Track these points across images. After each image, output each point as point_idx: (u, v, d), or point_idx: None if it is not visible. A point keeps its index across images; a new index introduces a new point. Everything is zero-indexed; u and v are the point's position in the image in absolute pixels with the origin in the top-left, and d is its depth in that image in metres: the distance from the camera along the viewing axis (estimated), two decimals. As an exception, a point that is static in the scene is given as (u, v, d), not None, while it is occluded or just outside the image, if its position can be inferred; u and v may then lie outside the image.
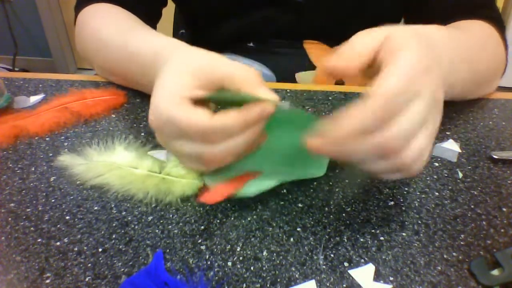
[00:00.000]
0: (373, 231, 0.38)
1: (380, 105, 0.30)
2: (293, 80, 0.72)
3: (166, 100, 0.35)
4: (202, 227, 0.39)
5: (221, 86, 0.36)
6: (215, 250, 0.36)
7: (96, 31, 0.57)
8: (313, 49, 0.71)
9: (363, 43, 0.35)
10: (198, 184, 0.41)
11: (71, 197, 0.42)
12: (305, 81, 0.73)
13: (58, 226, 0.39)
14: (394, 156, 0.32)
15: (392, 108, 0.31)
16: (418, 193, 0.43)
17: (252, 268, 0.35)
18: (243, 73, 0.36)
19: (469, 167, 0.47)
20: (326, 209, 0.41)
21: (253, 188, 0.40)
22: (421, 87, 0.32)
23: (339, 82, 0.74)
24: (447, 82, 0.38)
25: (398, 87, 0.31)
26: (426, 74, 0.32)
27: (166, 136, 0.37)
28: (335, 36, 0.72)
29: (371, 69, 0.34)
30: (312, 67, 0.72)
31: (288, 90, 0.61)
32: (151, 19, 0.63)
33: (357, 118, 0.31)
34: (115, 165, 0.43)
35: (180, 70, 0.37)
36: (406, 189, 0.43)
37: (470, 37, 0.50)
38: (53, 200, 0.42)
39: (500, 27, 0.58)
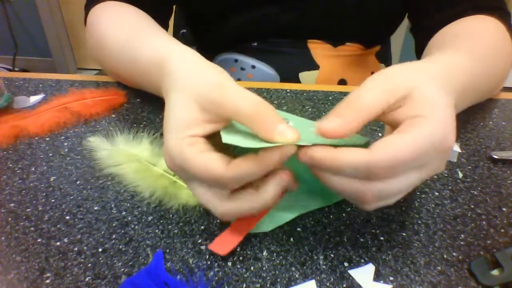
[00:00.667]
0: (373, 231, 0.38)
1: (375, 164, 0.29)
2: (297, 80, 0.72)
3: (177, 142, 0.33)
4: (202, 227, 0.39)
5: (230, 120, 0.34)
6: (215, 250, 0.36)
7: (103, 36, 0.56)
8: (317, 49, 0.71)
9: (372, 101, 0.31)
10: None
11: (71, 197, 0.42)
12: (309, 80, 0.73)
13: (58, 226, 0.39)
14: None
15: (385, 173, 0.30)
16: (418, 193, 0.43)
17: (252, 268, 0.35)
18: (253, 110, 0.31)
19: (469, 167, 0.47)
20: (326, 209, 0.41)
21: (269, 223, 0.38)
22: (427, 161, 0.31)
23: (342, 82, 0.74)
24: (460, 106, 0.38)
25: (404, 160, 0.30)
26: (439, 148, 0.31)
27: (183, 177, 0.35)
28: (337, 35, 0.72)
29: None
30: (316, 66, 0.72)
31: (288, 90, 0.61)
32: (161, 16, 0.63)
33: (351, 160, 0.30)
34: (135, 157, 0.43)
35: (187, 104, 0.34)
36: (406, 189, 0.43)
37: (483, 49, 0.48)
38: (53, 200, 0.42)
39: (507, 19, 0.56)
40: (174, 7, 0.72)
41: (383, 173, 0.30)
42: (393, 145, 0.29)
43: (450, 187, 0.44)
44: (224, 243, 0.36)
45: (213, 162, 0.31)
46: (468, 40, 0.49)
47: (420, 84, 0.32)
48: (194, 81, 0.35)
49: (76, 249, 0.37)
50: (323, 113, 0.56)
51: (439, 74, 0.36)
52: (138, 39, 0.50)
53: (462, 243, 0.37)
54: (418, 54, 0.63)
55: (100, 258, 0.36)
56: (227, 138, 0.32)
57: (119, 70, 0.56)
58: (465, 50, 0.45)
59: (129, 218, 0.40)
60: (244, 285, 0.34)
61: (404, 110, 0.32)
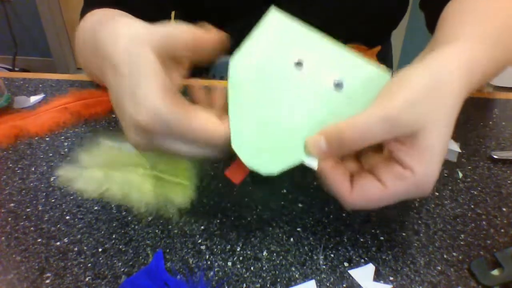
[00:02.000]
0: (373, 231, 0.38)
1: (348, 204, 0.32)
2: None
3: (163, 102, 0.30)
4: (202, 227, 0.39)
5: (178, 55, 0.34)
6: (215, 250, 0.36)
7: (80, 38, 0.54)
8: None
9: (368, 136, 0.30)
10: (191, 190, 0.37)
11: (71, 197, 0.42)
12: None
13: (58, 226, 0.39)
14: None
15: (357, 209, 0.33)
16: (418, 193, 0.43)
17: (252, 268, 0.35)
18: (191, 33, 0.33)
19: (469, 167, 0.47)
20: (326, 209, 0.41)
21: (278, 164, 0.33)
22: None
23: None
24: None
25: (375, 207, 0.32)
26: (412, 197, 0.32)
27: (159, 138, 0.32)
28: (338, 37, 0.72)
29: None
30: None
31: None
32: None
33: (334, 189, 0.32)
34: (110, 166, 0.39)
35: (150, 55, 0.31)
36: (406, 189, 0.43)
37: (503, 26, 0.42)
38: (53, 200, 0.42)
39: None
40: (172, 13, 0.71)
41: (356, 209, 0.32)
42: (369, 195, 0.31)
43: (450, 187, 0.44)
44: (237, 171, 0.34)
45: (212, 125, 0.31)
46: (486, 17, 0.42)
47: (428, 126, 0.30)
48: (135, 35, 0.33)
49: (76, 249, 0.37)
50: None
51: (453, 97, 0.32)
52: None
53: (462, 243, 0.37)
54: (430, 28, 0.60)
55: (100, 258, 0.36)
56: (249, 160, 0.32)
57: (85, 66, 0.53)
58: (480, 38, 0.39)
59: (129, 218, 0.40)
60: (244, 285, 0.34)
61: (401, 149, 0.31)
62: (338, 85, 0.34)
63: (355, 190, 0.32)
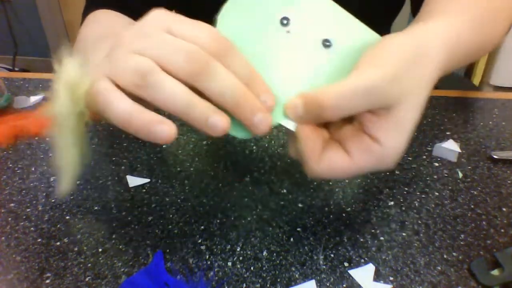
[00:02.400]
0: (373, 231, 0.38)
1: (314, 174, 0.31)
2: None
3: None
4: (202, 227, 0.39)
5: None
6: (215, 250, 0.36)
7: (78, 41, 0.53)
8: None
9: (351, 105, 0.28)
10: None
11: (71, 197, 0.42)
12: None
13: (58, 226, 0.39)
14: None
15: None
16: (418, 193, 0.43)
17: (252, 268, 0.35)
18: None
19: (469, 167, 0.47)
20: (326, 209, 0.41)
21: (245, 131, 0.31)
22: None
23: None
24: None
25: (340, 179, 0.32)
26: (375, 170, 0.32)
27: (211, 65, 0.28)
28: None
29: None
30: None
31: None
32: None
33: (302, 153, 0.31)
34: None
35: None
36: (406, 189, 0.43)
37: (483, 10, 0.42)
38: (53, 200, 0.42)
39: None
40: None
41: (319, 178, 0.31)
42: (336, 166, 0.30)
43: (450, 187, 0.44)
44: None
45: None
46: (469, 1, 0.42)
47: (406, 98, 0.30)
48: None
49: (76, 249, 0.37)
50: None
51: (432, 70, 0.32)
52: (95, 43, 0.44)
53: (462, 243, 0.37)
54: (414, 13, 0.61)
55: (100, 258, 0.36)
56: None
57: None
58: (463, 15, 0.39)
59: (129, 218, 0.40)
60: (244, 285, 0.34)
61: (372, 120, 0.30)
62: (327, 44, 0.32)
63: (323, 159, 0.31)
